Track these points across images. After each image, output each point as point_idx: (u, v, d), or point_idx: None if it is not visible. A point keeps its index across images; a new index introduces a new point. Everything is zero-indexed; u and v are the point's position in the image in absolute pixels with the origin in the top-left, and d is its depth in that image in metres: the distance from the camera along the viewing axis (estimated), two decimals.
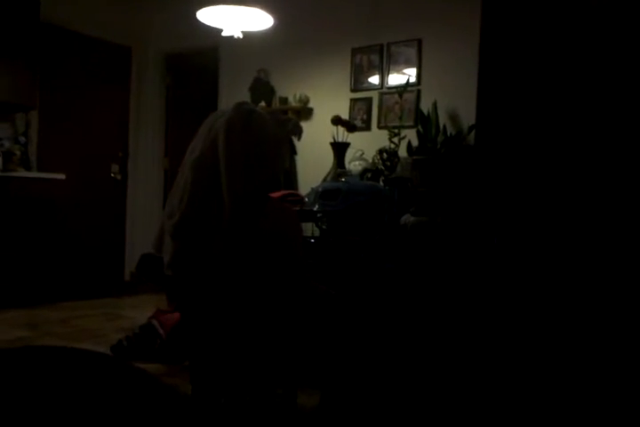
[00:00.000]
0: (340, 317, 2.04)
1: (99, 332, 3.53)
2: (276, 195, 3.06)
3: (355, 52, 4.46)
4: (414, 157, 3.57)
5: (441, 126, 3.80)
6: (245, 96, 4.89)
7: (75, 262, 5.11)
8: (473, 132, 3.68)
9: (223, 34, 3.92)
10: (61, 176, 4.53)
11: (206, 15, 3.74)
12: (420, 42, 4.15)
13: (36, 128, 4.94)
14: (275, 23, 3.87)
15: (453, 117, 3.91)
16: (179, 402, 1.11)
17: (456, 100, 3.91)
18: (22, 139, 4.76)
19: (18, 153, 4.61)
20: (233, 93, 5.09)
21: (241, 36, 3.88)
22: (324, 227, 2.98)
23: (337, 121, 3.89)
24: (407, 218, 2.88)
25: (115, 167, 5.56)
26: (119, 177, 5.61)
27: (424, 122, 3.83)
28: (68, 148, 5.19)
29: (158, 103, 5.74)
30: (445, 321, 2.38)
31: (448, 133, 3.78)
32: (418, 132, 3.83)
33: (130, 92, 5.71)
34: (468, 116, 3.80)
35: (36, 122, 4.94)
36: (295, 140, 4.12)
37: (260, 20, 3.78)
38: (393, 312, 2.43)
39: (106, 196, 5.52)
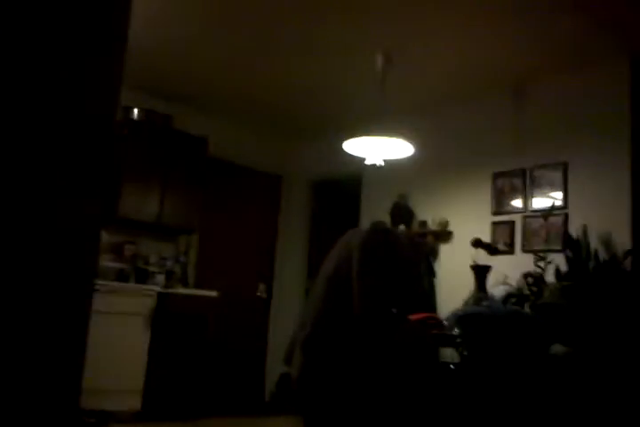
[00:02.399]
0: None
1: None
2: (416, 317, 3.01)
3: (496, 175, 4.50)
4: (563, 283, 3.38)
5: (592, 251, 3.61)
6: (386, 220, 5.04)
7: (219, 378, 5.27)
8: (629, 258, 3.45)
9: (366, 162, 4.18)
10: (214, 293, 4.85)
11: (351, 145, 4.05)
12: (565, 165, 4.11)
13: (195, 249, 5.42)
14: (416, 149, 4.07)
15: (606, 242, 3.71)
16: None
17: (608, 224, 3.73)
18: (183, 258, 5.23)
19: (178, 271, 5.05)
20: (374, 217, 5.26)
21: (382, 164, 4.11)
22: (464, 353, 2.84)
23: (477, 243, 3.84)
24: (558, 348, 2.67)
25: (261, 286, 5.85)
26: (265, 296, 5.86)
27: (573, 246, 3.67)
28: (221, 267, 5.60)
29: (304, 227, 6.10)
30: None
31: (600, 258, 3.57)
32: (566, 256, 3.65)
33: (279, 216, 6.15)
34: (623, 241, 3.59)
35: (195, 243, 5.43)
36: (434, 263, 4.12)
37: (401, 148, 4.01)
38: None
39: (252, 313, 5.77)
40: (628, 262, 3.44)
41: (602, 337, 2.80)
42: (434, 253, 2.08)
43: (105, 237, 4.77)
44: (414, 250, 2.07)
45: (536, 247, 4.00)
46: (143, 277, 4.74)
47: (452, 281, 4.29)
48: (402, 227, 4.88)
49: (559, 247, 3.88)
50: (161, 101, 5.18)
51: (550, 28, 3.60)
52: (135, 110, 4.91)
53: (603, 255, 3.62)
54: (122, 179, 4.75)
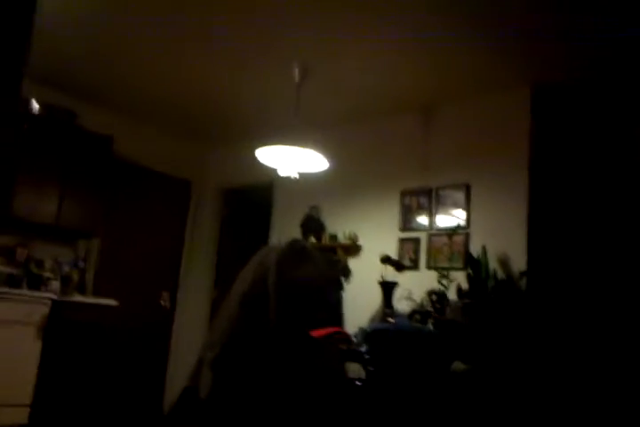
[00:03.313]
0: None
1: None
2: (323, 332, 3.03)
3: (404, 193, 4.64)
4: (464, 301, 3.55)
5: (491, 270, 3.81)
6: (296, 231, 5.07)
7: (116, 390, 5.07)
8: (524, 278, 3.68)
9: (280, 174, 4.18)
10: (113, 302, 4.64)
11: (264, 154, 4.02)
12: (468, 186, 4.31)
13: (95, 254, 5.17)
14: (329, 164, 4.12)
15: (503, 262, 3.93)
16: None
17: (506, 245, 3.95)
18: (82, 264, 4.96)
19: (75, 277, 4.78)
20: (284, 228, 5.29)
21: (297, 176, 4.12)
22: (370, 369, 2.90)
23: (386, 260, 3.95)
24: (458, 365, 2.79)
25: (165, 295, 5.68)
26: (168, 305, 5.70)
27: (474, 265, 3.86)
28: (123, 274, 5.38)
29: (212, 234, 5.99)
30: None
31: (498, 278, 3.78)
32: (468, 275, 3.83)
33: (187, 222, 6.01)
34: (519, 261, 3.82)
35: (96, 248, 5.18)
36: (347, 281, 4.17)
37: (315, 161, 4.03)
38: None
39: (153, 322, 5.59)
40: (523, 282, 3.66)
41: (497, 354, 2.96)
42: (347, 272, 2.11)
43: None
44: (330, 268, 2.09)
45: (440, 264, 4.16)
46: (36, 283, 4.45)
47: (360, 295, 4.36)
48: (312, 239, 4.94)
49: (461, 265, 4.06)
50: (65, 97, 4.93)
51: (454, 56, 3.80)
52: (36, 104, 4.62)
53: (500, 275, 3.83)
54: (16, 176, 4.44)
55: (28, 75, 4.48)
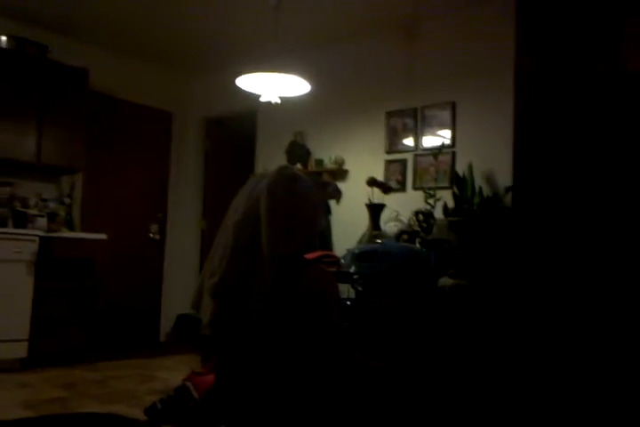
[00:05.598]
0: (382, 390, 1.97)
1: (133, 393, 3.50)
2: (311, 256, 3.05)
3: (389, 115, 4.56)
4: (450, 219, 3.56)
5: (477, 188, 3.80)
6: (282, 158, 5.01)
7: (112, 321, 5.19)
8: (510, 194, 3.68)
9: (261, 99, 4.06)
10: (102, 236, 4.64)
11: (245, 81, 3.90)
12: (453, 105, 4.22)
13: (80, 190, 5.12)
14: (311, 87, 4.01)
15: (489, 179, 3.92)
16: None
17: (491, 162, 3.92)
18: (67, 200, 4.92)
19: (62, 214, 4.75)
20: (270, 156, 5.23)
21: (279, 101, 4.01)
22: (359, 289, 2.95)
23: (372, 182, 3.93)
24: (445, 281, 2.84)
25: (154, 227, 5.69)
26: (157, 237, 5.73)
27: (460, 183, 3.85)
28: (109, 208, 5.36)
29: (197, 166, 5.93)
30: (492, 392, 2.29)
31: (484, 195, 3.78)
32: (454, 193, 3.83)
33: (170, 155, 5.92)
34: (505, 178, 3.80)
35: (80, 184, 5.12)
36: (332, 201, 4.16)
37: (296, 86, 3.92)
38: (434, 381, 2.35)
39: (144, 255, 5.64)
40: (508, 198, 3.67)
41: (484, 268, 3.01)
42: (338, 195, 2.06)
43: None
44: (319, 192, 2.05)
45: (426, 185, 4.15)
46: (22, 220, 4.42)
47: (348, 219, 4.39)
48: (298, 165, 4.89)
49: (447, 185, 4.05)
50: (35, 30, 4.74)
51: None
52: (3, 38, 4.44)
53: (486, 192, 3.83)
54: None
55: None
